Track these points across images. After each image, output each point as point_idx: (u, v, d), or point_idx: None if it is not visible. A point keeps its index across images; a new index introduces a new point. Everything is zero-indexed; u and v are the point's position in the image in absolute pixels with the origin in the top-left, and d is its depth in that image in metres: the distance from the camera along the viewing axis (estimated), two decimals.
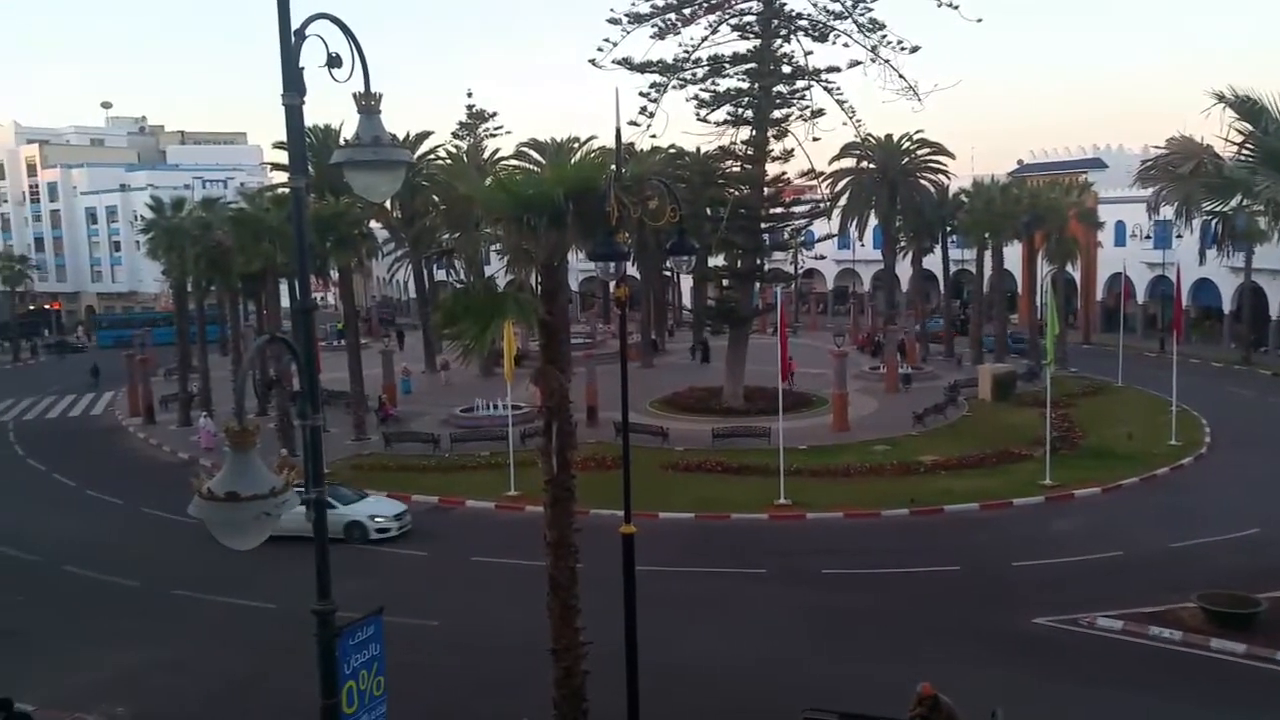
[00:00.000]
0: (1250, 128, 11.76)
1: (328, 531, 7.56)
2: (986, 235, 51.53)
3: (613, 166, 12.40)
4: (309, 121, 6.95)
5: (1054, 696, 16.69)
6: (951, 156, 57.29)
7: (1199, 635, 18.67)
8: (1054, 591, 21.32)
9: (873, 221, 61.25)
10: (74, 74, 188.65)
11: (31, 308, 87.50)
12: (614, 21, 38.60)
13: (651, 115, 39.44)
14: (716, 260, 45.68)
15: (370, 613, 9.07)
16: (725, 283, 44.61)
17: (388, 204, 51.89)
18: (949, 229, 58.10)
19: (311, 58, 6.83)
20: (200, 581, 22.55)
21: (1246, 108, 11.48)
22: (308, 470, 7.31)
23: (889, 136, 56.27)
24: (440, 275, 63.25)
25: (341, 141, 7.14)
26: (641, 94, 39.76)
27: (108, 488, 32.46)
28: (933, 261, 61.14)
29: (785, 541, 25.66)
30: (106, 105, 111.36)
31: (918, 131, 56.76)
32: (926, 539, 25.60)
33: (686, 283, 69.73)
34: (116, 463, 37.45)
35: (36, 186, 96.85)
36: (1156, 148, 55.65)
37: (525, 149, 54.91)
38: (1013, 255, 57.22)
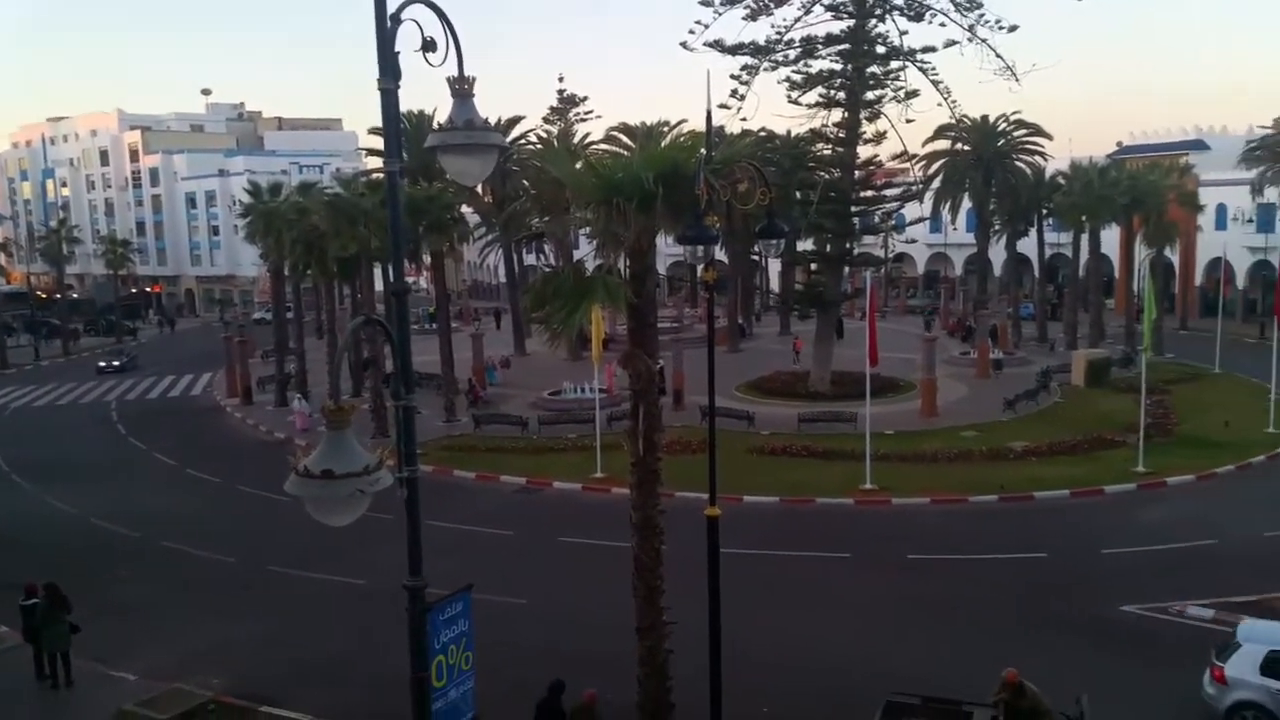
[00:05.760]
0: None
1: None
2: (1084, 218, 50.14)
3: (703, 150, 12.30)
4: (403, 107, 7.06)
5: (1140, 685, 16.29)
6: (1049, 138, 55.60)
7: None
8: (1144, 580, 20.85)
9: (966, 204, 59.84)
10: (175, 61, 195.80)
11: (134, 290, 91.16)
12: (706, 3, 38.37)
13: (742, 98, 39.20)
14: (806, 244, 45.22)
15: (460, 589, 9.25)
16: (814, 267, 44.15)
17: (479, 188, 52.60)
18: (1045, 212, 56.41)
19: (406, 43, 6.93)
20: (294, 558, 23.32)
21: None
22: (400, 450, 7.46)
23: (984, 118, 54.89)
24: (530, 259, 63.97)
25: (435, 126, 7.22)
26: (733, 76, 39.57)
27: (206, 466, 33.70)
28: (1027, 245, 59.45)
29: (871, 526, 25.42)
30: (206, 92, 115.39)
31: (1014, 112, 55.37)
32: (1015, 526, 25.11)
33: (774, 267, 69.30)
34: (215, 442, 38.86)
35: (138, 172, 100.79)
36: (1263, 128, 53.36)
37: (615, 133, 55.08)
38: (1110, 239, 55.50)
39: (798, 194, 42.65)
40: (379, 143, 48.63)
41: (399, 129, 7.62)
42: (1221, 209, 61.28)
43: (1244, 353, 46.14)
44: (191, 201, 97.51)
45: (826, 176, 41.31)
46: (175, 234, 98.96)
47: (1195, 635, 18.17)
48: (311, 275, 44.86)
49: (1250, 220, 59.51)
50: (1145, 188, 48.74)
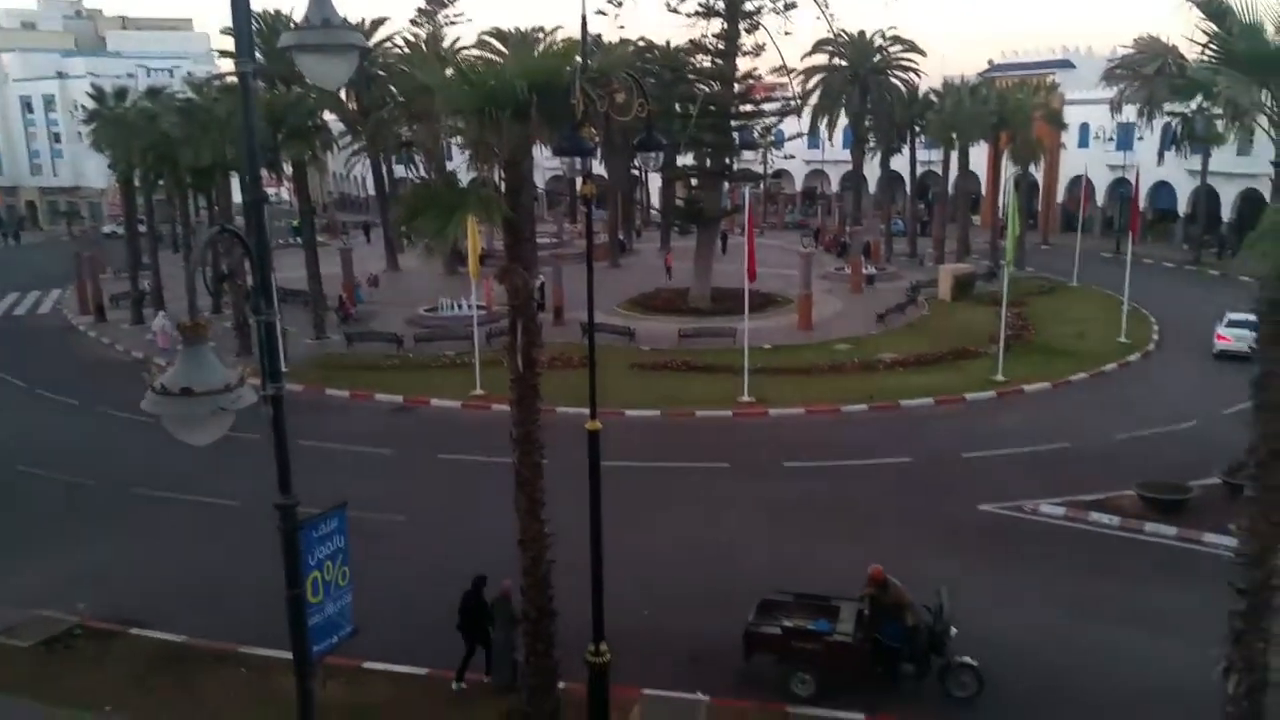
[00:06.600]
0: (1215, 28, 11.63)
1: None
2: (954, 136, 51.33)
3: (579, 58, 11.96)
4: (259, 6, 6.61)
5: (996, 578, 17.47)
6: (923, 54, 56.49)
7: (1135, 520, 19.66)
8: (1001, 481, 22.07)
9: (843, 121, 60.57)
10: None
11: None
12: None
13: (620, 4, 38.31)
14: (685, 159, 45.04)
15: (334, 506, 9.11)
16: (694, 182, 44.13)
17: (343, 95, 50.27)
18: (917, 130, 57.61)
19: None
20: (161, 480, 22.46)
21: (1212, 7, 11.34)
22: (263, 366, 7.17)
23: (862, 33, 55.28)
24: (400, 171, 61.96)
25: (292, 26, 6.76)
26: None
27: (60, 388, 31.96)
28: (900, 163, 60.82)
29: (748, 437, 26.09)
30: None
31: (891, 28, 55.94)
32: (883, 433, 26.17)
33: (655, 183, 69.02)
34: (68, 362, 36.77)
35: None
36: (1124, 48, 55.34)
37: (487, 38, 53.22)
38: (978, 157, 57.16)
39: (677, 107, 42.31)
40: (231, 44, 45.79)
41: (250, 27, 7.13)
42: (1085, 128, 63.61)
43: (1101, 267, 48.70)
44: (28, 106, 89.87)
45: (706, 90, 41.03)
46: (10, 141, 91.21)
47: (1047, 531, 19.62)
48: (164, 186, 42.37)
49: (1111, 139, 62.06)
50: (1013, 106, 50.22)
